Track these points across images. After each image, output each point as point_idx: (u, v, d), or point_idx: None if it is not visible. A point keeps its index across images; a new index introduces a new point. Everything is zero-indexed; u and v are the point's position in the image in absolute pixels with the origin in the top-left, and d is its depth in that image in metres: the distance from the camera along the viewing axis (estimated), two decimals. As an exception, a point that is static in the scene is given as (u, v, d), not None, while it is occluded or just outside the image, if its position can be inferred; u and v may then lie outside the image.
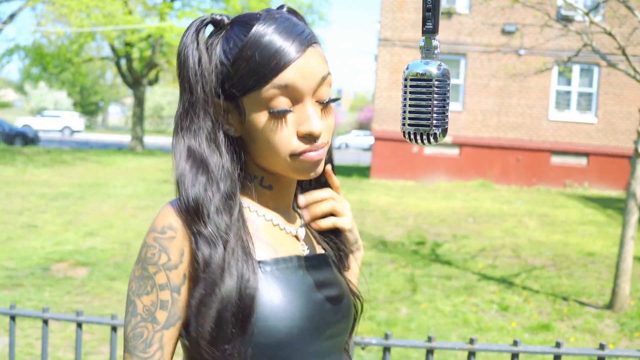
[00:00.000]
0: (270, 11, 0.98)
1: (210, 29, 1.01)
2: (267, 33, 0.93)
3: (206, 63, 0.96)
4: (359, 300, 1.15)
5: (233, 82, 0.95)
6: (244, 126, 0.98)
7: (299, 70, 0.93)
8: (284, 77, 0.92)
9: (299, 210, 1.14)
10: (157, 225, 0.94)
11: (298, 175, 0.99)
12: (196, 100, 0.96)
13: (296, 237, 1.07)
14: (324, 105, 0.98)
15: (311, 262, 1.04)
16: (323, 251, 1.11)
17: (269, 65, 0.92)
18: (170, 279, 0.92)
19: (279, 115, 0.94)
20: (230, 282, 0.91)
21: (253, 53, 0.92)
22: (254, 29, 0.94)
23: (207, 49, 0.97)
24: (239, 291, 0.91)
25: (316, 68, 0.95)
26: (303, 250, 1.06)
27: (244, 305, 0.91)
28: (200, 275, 0.91)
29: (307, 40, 0.95)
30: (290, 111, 0.95)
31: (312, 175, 1.00)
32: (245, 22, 0.96)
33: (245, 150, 1.01)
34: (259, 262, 0.96)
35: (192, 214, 0.93)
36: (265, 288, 0.94)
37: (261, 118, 0.95)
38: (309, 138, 0.96)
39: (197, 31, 0.97)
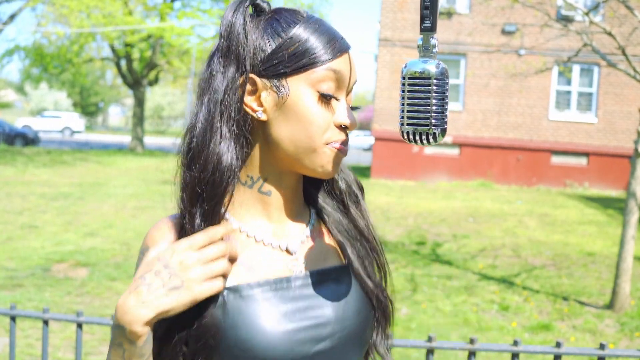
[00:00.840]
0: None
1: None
2: (321, 23, 0.96)
3: (253, 39, 0.93)
4: (380, 309, 1.06)
5: (283, 59, 0.92)
6: (281, 108, 0.93)
7: (348, 63, 0.96)
8: (339, 62, 0.95)
9: (310, 212, 1.07)
10: (143, 242, 0.98)
11: (320, 168, 0.95)
12: (240, 74, 0.92)
13: (287, 251, 0.99)
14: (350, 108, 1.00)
15: (299, 282, 0.97)
16: (336, 262, 1.03)
17: (328, 46, 0.94)
18: None
19: (325, 99, 0.94)
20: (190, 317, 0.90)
21: (309, 35, 0.93)
22: (307, 17, 0.96)
23: (251, 27, 0.95)
24: (198, 325, 0.90)
25: (354, 70, 0.99)
26: (292, 267, 0.98)
27: (206, 339, 0.90)
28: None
29: (349, 44, 0.99)
30: (335, 98, 0.95)
31: (332, 172, 0.97)
32: (292, 11, 0.97)
33: (261, 140, 0.96)
34: (226, 288, 0.92)
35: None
36: (230, 318, 0.90)
37: (309, 98, 0.93)
38: (342, 131, 0.96)
39: (245, 7, 0.94)
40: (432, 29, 0.84)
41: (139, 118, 25.29)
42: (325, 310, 0.97)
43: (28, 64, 26.08)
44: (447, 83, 0.84)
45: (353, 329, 0.99)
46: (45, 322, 2.41)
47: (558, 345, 1.98)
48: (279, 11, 0.97)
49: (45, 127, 38.53)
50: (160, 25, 21.53)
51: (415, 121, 0.84)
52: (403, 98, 0.85)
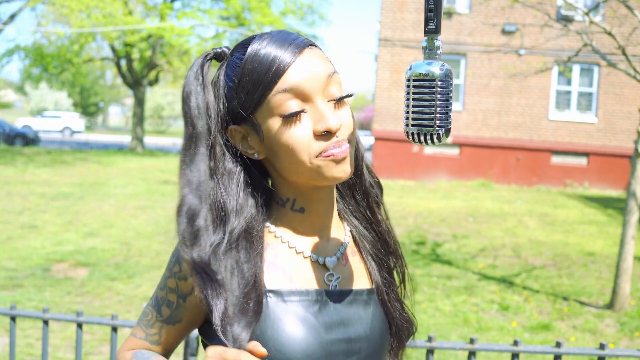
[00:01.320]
0: (264, 32, 1.00)
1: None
2: (262, 47, 0.94)
3: (211, 97, 0.98)
4: (403, 331, 1.12)
5: (242, 102, 0.95)
6: (264, 144, 0.97)
7: (300, 70, 0.93)
8: (287, 79, 0.93)
9: (345, 229, 1.10)
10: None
11: (326, 179, 0.96)
12: (198, 134, 0.96)
13: (324, 266, 1.03)
14: (337, 102, 0.97)
15: (334, 297, 1.01)
16: (366, 285, 1.07)
17: (269, 72, 0.93)
18: (179, 286, 1.00)
19: (292, 119, 0.93)
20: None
21: (253, 67, 0.94)
22: (250, 48, 0.95)
23: (213, 84, 1.00)
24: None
25: (318, 67, 0.95)
26: (329, 281, 1.02)
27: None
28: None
29: (302, 43, 0.96)
30: (303, 112, 0.94)
31: (342, 175, 0.96)
32: (242, 44, 0.98)
33: (274, 170, 1.01)
34: (269, 290, 0.96)
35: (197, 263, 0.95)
36: (271, 320, 0.94)
37: (275, 126, 0.94)
38: (328, 136, 0.94)
39: (202, 67, 0.99)
40: (436, 30, 0.84)
41: (139, 118, 25.29)
42: (358, 327, 1.02)
43: (28, 64, 26.03)
44: (452, 84, 0.85)
45: (378, 347, 1.04)
46: (45, 322, 2.41)
47: (558, 345, 1.98)
48: (232, 52, 1.00)
49: (45, 127, 38.50)
50: (160, 25, 21.53)
51: (419, 122, 0.85)
52: (408, 99, 0.86)
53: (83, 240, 8.15)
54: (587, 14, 6.16)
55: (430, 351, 2.05)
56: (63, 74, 27.37)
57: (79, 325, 2.36)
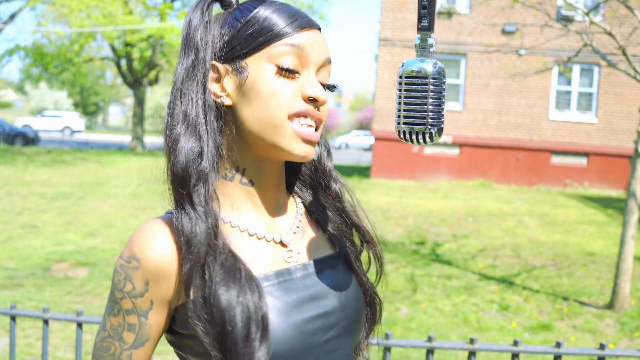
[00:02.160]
0: None
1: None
2: (280, 6, 0.96)
3: (213, 30, 0.97)
4: (377, 303, 1.08)
5: (241, 41, 0.94)
6: (242, 89, 0.94)
7: (310, 38, 0.95)
8: (299, 37, 0.94)
9: (296, 203, 1.06)
10: (124, 252, 0.93)
11: (288, 147, 0.93)
12: (199, 63, 0.95)
13: (281, 243, 0.99)
14: (324, 88, 0.98)
15: (298, 273, 0.97)
16: (328, 252, 1.03)
17: (284, 24, 0.94)
18: (136, 305, 0.92)
19: (286, 73, 0.93)
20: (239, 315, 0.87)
21: (268, 15, 0.94)
22: (266, 2, 0.97)
23: (213, 21, 0.99)
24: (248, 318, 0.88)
25: (322, 46, 0.97)
26: (289, 258, 0.98)
27: (258, 326, 0.88)
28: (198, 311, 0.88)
29: (315, 22, 0.99)
30: (298, 73, 0.94)
31: (303, 153, 0.94)
32: (257, 0, 0.99)
33: (232, 128, 0.96)
34: None
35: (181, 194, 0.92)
36: None
37: (267, 73, 0.93)
38: (312, 103, 0.94)
39: (206, 4, 0.98)
40: (429, 28, 0.83)
41: (139, 118, 25.29)
42: (330, 299, 0.97)
43: (28, 63, 26.05)
44: (444, 82, 0.83)
45: (353, 316, 1.01)
46: (46, 322, 2.41)
47: (558, 345, 1.98)
48: (245, 2, 1.00)
49: (45, 127, 38.50)
50: (161, 25, 21.52)
51: (411, 120, 0.83)
52: (400, 97, 0.84)
53: (83, 240, 8.15)
54: (587, 14, 6.16)
55: (430, 351, 2.05)
56: (63, 73, 27.36)
57: (79, 325, 2.36)
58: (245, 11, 0.96)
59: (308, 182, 1.08)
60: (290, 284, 0.95)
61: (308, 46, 0.95)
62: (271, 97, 0.92)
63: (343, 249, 1.05)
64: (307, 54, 0.94)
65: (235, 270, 0.90)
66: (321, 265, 1.00)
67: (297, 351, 0.91)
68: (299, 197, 1.08)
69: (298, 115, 0.93)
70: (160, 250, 0.91)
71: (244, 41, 0.94)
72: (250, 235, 0.97)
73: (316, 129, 0.96)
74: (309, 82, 0.94)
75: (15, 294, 5.82)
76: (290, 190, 1.08)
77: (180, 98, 0.95)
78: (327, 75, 0.99)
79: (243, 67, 0.94)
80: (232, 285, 0.88)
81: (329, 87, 1.00)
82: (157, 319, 0.93)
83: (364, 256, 1.10)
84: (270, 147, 0.94)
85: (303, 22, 0.96)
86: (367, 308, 1.06)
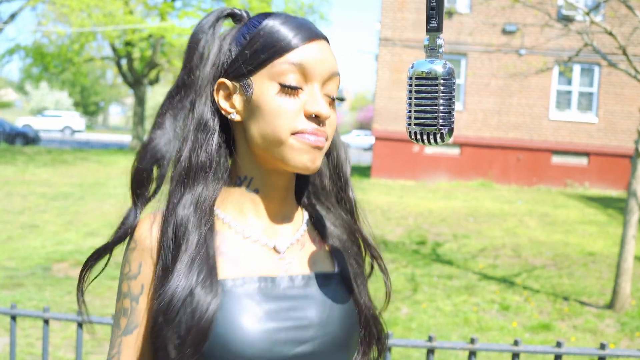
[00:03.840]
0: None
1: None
2: (286, 20, 0.97)
3: (215, 48, 0.99)
4: (372, 325, 1.05)
5: (246, 59, 0.96)
6: (249, 106, 0.96)
7: (313, 52, 0.96)
8: (299, 54, 0.95)
9: (303, 216, 1.07)
10: (129, 239, 1.02)
11: (292, 162, 0.94)
12: (192, 82, 0.99)
13: (274, 249, 1.00)
14: (331, 100, 0.98)
15: (283, 283, 0.97)
16: (325, 269, 1.02)
17: (285, 40, 0.95)
18: (130, 288, 0.98)
19: (289, 91, 0.94)
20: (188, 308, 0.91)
21: (271, 31, 0.95)
22: (273, 16, 0.98)
23: (223, 37, 1.01)
24: (192, 314, 0.90)
25: (328, 59, 0.97)
26: (279, 267, 0.98)
27: (198, 328, 0.89)
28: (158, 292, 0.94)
29: (322, 34, 0.99)
30: (301, 89, 0.95)
31: (308, 164, 0.95)
32: (264, 14, 1.00)
33: (241, 141, 0.99)
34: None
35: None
36: (220, 309, 0.91)
37: (270, 91, 0.94)
38: (315, 120, 0.95)
39: (217, 19, 1.01)
40: (438, 29, 0.84)
41: (139, 117, 25.29)
42: (309, 312, 0.96)
43: (28, 63, 26.08)
44: (454, 83, 0.84)
45: (336, 335, 0.97)
46: (46, 322, 2.41)
47: (558, 345, 1.98)
48: (253, 17, 1.02)
49: (45, 127, 38.51)
50: (161, 24, 21.52)
51: (422, 121, 0.84)
52: (410, 98, 0.85)
53: (83, 240, 8.16)
54: (587, 13, 6.15)
55: (430, 351, 2.05)
56: (63, 73, 27.38)
57: (80, 325, 2.36)
58: (252, 27, 0.98)
59: (324, 194, 1.08)
60: (271, 291, 0.95)
61: (312, 60, 0.95)
62: (273, 116, 0.94)
63: (343, 268, 1.04)
64: (310, 69, 0.95)
65: (202, 267, 0.93)
66: (311, 280, 0.99)
67: (261, 357, 0.91)
68: (307, 210, 1.08)
69: (299, 133, 0.94)
70: (153, 234, 0.98)
71: (249, 59, 0.96)
72: (245, 238, 0.99)
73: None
74: (312, 98, 0.95)
75: (15, 294, 5.83)
76: (299, 202, 1.08)
77: (166, 113, 1.00)
78: (335, 87, 0.99)
79: (249, 85, 0.96)
80: (189, 278, 0.92)
81: (338, 98, 1.00)
82: (146, 305, 0.97)
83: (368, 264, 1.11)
84: (277, 161, 0.96)
85: (307, 33, 0.96)
86: (362, 329, 1.04)
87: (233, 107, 0.98)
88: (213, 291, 0.91)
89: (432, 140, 0.84)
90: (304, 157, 0.94)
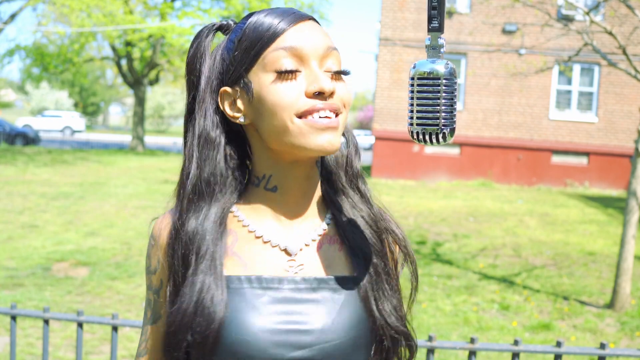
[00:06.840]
0: None
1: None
2: (266, 13, 0.97)
3: (208, 63, 1.01)
4: (393, 338, 1.00)
5: (238, 60, 0.96)
6: (253, 105, 0.96)
7: (299, 33, 0.95)
8: (288, 37, 0.94)
9: (326, 216, 1.03)
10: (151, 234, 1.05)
11: (309, 146, 0.92)
12: (201, 98, 1.00)
13: (285, 251, 0.98)
14: (334, 74, 0.96)
15: (291, 285, 0.95)
16: (341, 273, 0.98)
17: (269, 31, 0.94)
18: (152, 281, 1.03)
19: (286, 76, 0.93)
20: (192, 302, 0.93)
21: (255, 27, 0.96)
22: (255, 12, 0.99)
23: (216, 49, 1.02)
24: (197, 309, 0.92)
25: (317, 35, 0.96)
26: (288, 268, 0.97)
27: (207, 323, 0.91)
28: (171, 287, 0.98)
29: (304, 14, 0.98)
30: (298, 71, 0.93)
31: (325, 145, 0.92)
32: (247, 16, 1.00)
33: (256, 140, 1.00)
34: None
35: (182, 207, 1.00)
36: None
37: (268, 81, 0.93)
38: (320, 97, 0.93)
39: (206, 36, 1.03)
40: (439, 29, 0.84)
41: (139, 117, 25.29)
42: (312, 318, 0.94)
43: (29, 63, 26.08)
44: (456, 83, 0.84)
45: (339, 344, 0.94)
46: (46, 322, 2.41)
47: (558, 344, 1.98)
48: (239, 21, 1.02)
49: (45, 127, 38.50)
50: (161, 24, 21.51)
51: (424, 121, 0.84)
52: (412, 98, 0.84)
53: (83, 240, 8.15)
54: (587, 13, 6.15)
55: (430, 351, 2.05)
56: (63, 73, 27.37)
57: (80, 325, 2.37)
58: (238, 30, 0.98)
59: (340, 187, 1.04)
60: (276, 293, 0.95)
61: (302, 40, 0.94)
62: (274, 104, 0.93)
63: (361, 274, 0.99)
64: (303, 48, 0.94)
65: (210, 267, 0.95)
66: (322, 284, 0.96)
67: (258, 358, 0.91)
68: (331, 210, 1.03)
69: (305, 114, 0.92)
70: (169, 231, 1.00)
71: (241, 58, 0.96)
72: (257, 238, 0.99)
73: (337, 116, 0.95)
74: (311, 77, 0.93)
75: (15, 294, 5.83)
76: (327, 197, 1.04)
77: (189, 131, 1.02)
78: (335, 62, 0.97)
79: (247, 84, 0.96)
80: (199, 278, 0.94)
81: (342, 72, 0.98)
82: (165, 299, 1.00)
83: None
84: (292, 150, 0.94)
85: (292, 17, 0.95)
86: (374, 341, 0.98)
87: (239, 112, 0.98)
88: (223, 300, 0.93)
89: (434, 140, 0.84)
90: (318, 139, 0.92)
